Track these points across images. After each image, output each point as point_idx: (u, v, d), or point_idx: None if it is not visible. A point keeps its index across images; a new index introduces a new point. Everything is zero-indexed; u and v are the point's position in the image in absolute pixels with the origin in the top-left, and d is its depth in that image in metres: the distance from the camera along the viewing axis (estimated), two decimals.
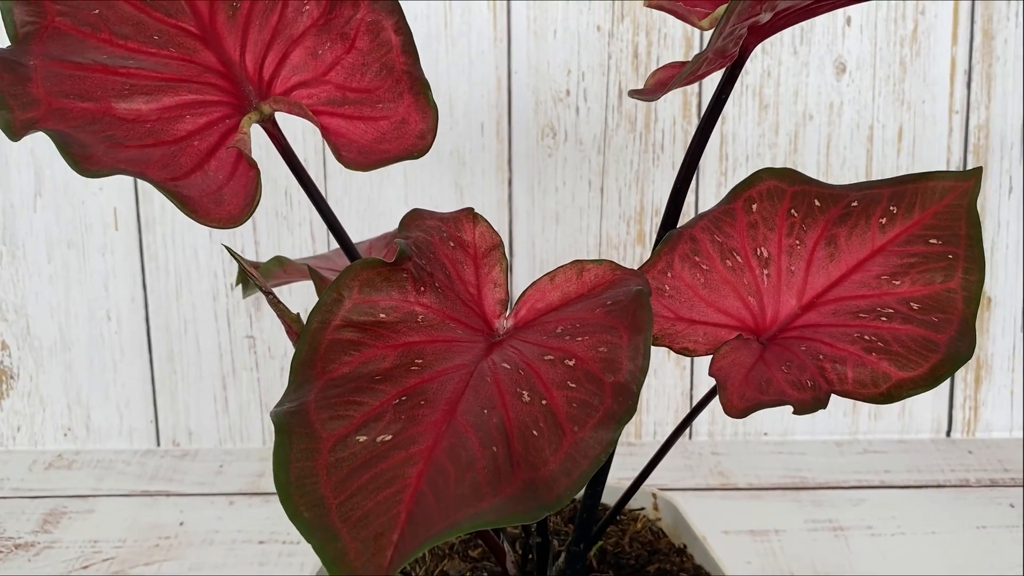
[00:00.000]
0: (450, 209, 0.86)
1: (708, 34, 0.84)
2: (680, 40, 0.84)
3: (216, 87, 0.43)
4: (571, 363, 0.36)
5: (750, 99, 0.85)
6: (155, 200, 0.86)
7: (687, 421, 0.46)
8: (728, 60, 0.36)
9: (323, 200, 0.45)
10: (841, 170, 0.87)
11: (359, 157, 0.41)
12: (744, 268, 0.43)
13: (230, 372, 0.89)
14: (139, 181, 0.85)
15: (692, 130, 0.86)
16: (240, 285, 0.58)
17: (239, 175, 0.41)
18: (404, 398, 0.34)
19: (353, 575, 0.29)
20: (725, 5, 0.41)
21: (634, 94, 0.37)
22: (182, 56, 0.44)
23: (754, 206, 0.43)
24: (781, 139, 0.86)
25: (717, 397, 0.45)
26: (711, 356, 0.43)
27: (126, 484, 0.85)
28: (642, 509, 0.60)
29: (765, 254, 0.43)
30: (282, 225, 0.87)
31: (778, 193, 0.43)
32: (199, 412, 0.90)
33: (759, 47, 0.84)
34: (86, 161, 0.39)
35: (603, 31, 0.84)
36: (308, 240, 0.87)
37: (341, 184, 0.85)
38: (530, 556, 0.52)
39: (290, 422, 0.33)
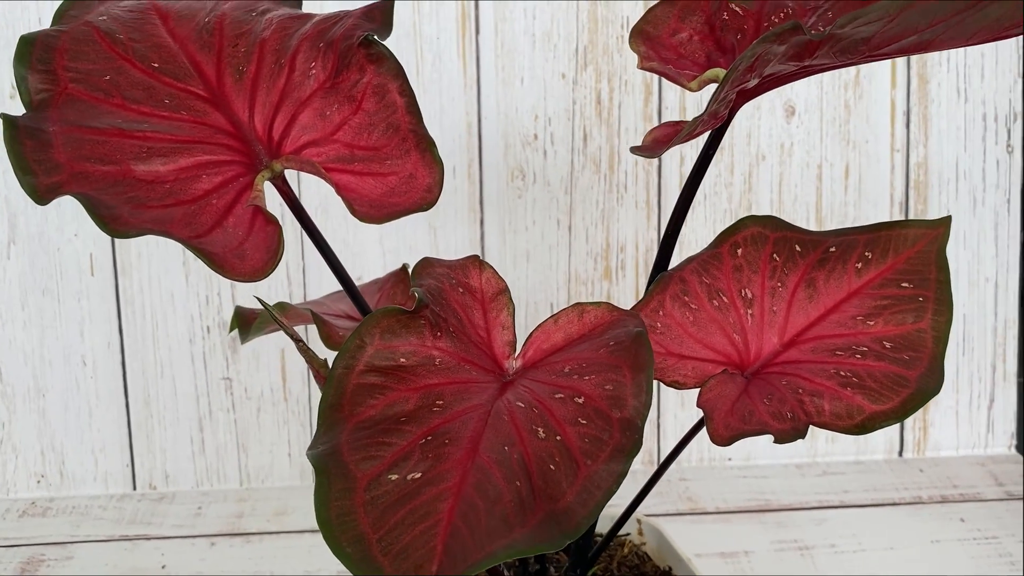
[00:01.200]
0: (424, 249, 0.89)
1: (667, 83, 0.88)
2: (640, 86, 0.89)
3: (228, 147, 0.46)
4: (580, 400, 0.39)
5: None
6: (131, 245, 0.87)
7: (677, 451, 0.50)
8: (719, 120, 0.40)
9: (330, 249, 0.48)
10: (793, 207, 0.92)
11: (371, 211, 0.43)
12: (730, 308, 0.47)
13: (207, 414, 0.90)
14: None
15: (653, 171, 0.90)
16: (236, 330, 0.60)
17: (257, 230, 0.43)
18: (429, 438, 0.37)
19: None
20: (713, 69, 0.45)
21: (635, 151, 0.41)
22: (193, 119, 0.46)
23: (739, 250, 0.47)
24: (736, 179, 0.91)
25: (692, 428, 0.49)
26: (698, 388, 0.46)
27: (104, 529, 0.85)
28: (627, 535, 0.63)
29: (749, 295, 0.47)
30: None
31: (761, 239, 0.47)
32: (176, 455, 0.90)
33: None
34: (114, 222, 0.41)
35: (568, 79, 0.88)
36: (284, 283, 0.89)
37: (317, 227, 0.87)
38: None
39: (327, 463, 0.35)
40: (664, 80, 0.88)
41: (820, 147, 0.91)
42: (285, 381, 0.90)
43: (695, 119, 0.38)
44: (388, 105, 0.45)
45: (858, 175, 0.92)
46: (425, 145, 0.44)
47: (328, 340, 0.52)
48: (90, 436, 0.90)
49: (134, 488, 0.91)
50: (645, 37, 0.50)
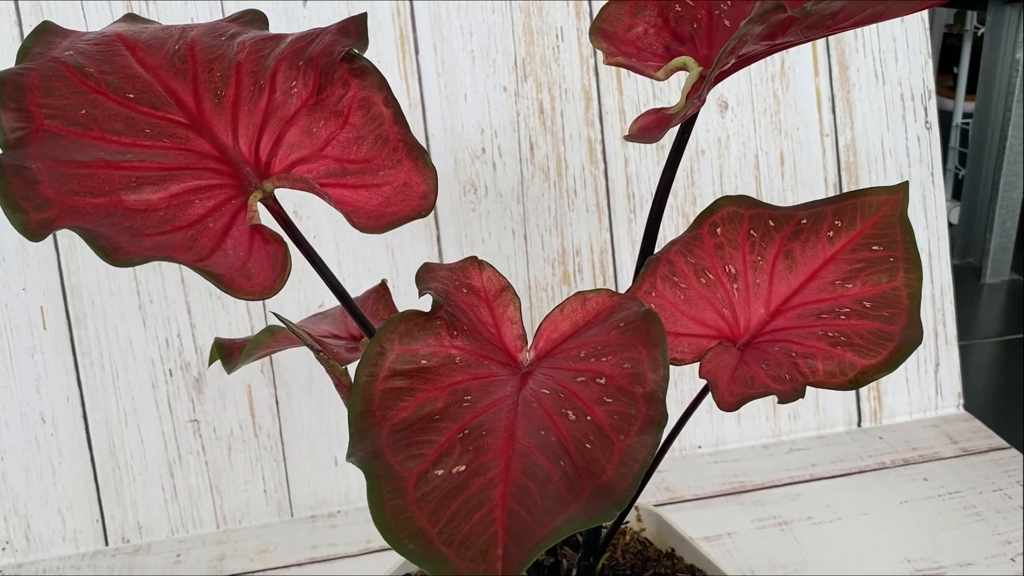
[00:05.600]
0: (383, 270, 0.89)
1: (604, 89, 0.91)
2: (579, 94, 0.91)
3: (216, 171, 0.46)
4: (602, 381, 0.40)
5: None
6: (84, 295, 0.85)
7: (677, 429, 0.51)
8: (702, 103, 0.42)
9: (327, 269, 0.48)
10: None
11: (370, 221, 0.44)
12: (716, 284, 0.49)
13: (176, 459, 0.88)
14: (65, 279, 0.84)
15: (599, 174, 0.92)
16: (219, 362, 0.59)
17: (257, 250, 0.43)
18: (466, 431, 0.37)
19: None
20: (680, 57, 0.47)
21: (631, 138, 0.42)
22: (177, 146, 0.46)
23: (718, 230, 0.49)
24: (679, 174, 0.94)
25: (693, 401, 0.51)
26: (696, 363, 0.48)
27: None
28: (627, 523, 0.64)
29: (733, 270, 0.49)
30: (216, 304, 0.87)
31: (737, 217, 0.49)
32: (147, 504, 0.88)
33: (650, 95, 0.92)
34: (115, 252, 0.40)
35: (509, 91, 0.90)
36: (245, 317, 0.88)
37: (313, 247, 0.87)
38: None
39: (373, 467, 0.35)
40: (600, 87, 0.91)
41: (755, 138, 0.95)
42: (254, 417, 0.89)
43: (688, 102, 0.40)
44: (375, 117, 0.46)
45: (792, 161, 0.96)
46: (416, 153, 0.45)
47: (330, 357, 0.52)
48: (55, 495, 0.87)
49: (106, 544, 0.88)
50: (603, 34, 0.52)
